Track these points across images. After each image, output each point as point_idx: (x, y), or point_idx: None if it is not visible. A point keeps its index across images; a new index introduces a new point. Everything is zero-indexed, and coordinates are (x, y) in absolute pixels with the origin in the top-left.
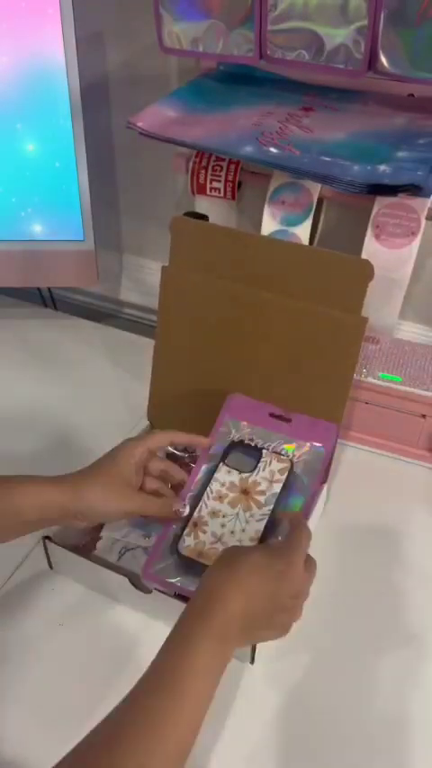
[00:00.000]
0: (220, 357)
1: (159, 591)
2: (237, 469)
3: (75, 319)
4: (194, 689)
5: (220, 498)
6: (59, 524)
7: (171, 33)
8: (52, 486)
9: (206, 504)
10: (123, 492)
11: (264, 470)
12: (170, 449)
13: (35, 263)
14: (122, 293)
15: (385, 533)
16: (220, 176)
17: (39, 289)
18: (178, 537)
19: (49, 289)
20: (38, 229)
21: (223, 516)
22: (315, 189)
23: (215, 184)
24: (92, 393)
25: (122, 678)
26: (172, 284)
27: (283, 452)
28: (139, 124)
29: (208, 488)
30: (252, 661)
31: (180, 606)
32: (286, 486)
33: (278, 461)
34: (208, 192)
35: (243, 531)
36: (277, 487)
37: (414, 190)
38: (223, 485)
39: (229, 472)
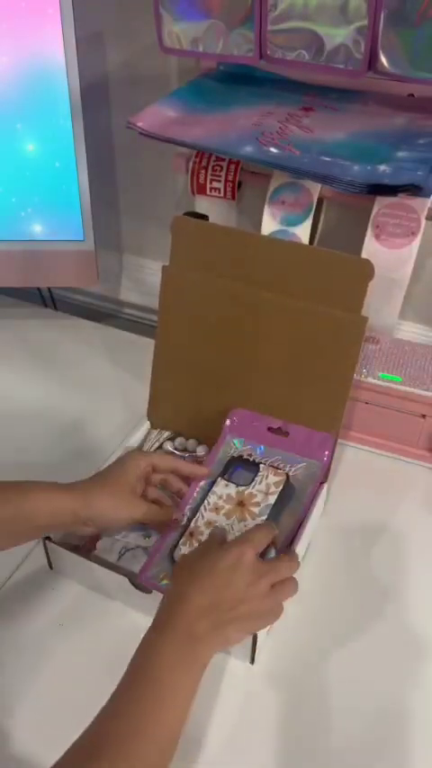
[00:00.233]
0: (220, 357)
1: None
2: (234, 483)
3: (75, 319)
4: (167, 688)
5: (217, 510)
6: (68, 530)
7: (171, 33)
8: (64, 492)
9: (203, 516)
10: (130, 500)
11: (260, 483)
12: (170, 449)
13: (35, 263)
14: (122, 293)
15: (385, 533)
16: (220, 176)
17: (39, 289)
18: (175, 545)
19: (49, 289)
20: (38, 229)
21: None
22: (315, 189)
23: (215, 184)
24: (92, 393)
25: None
26: (172, 284)
27: (280, 466)
28: (139, 124)
29: (206, 500)
30: (252, 661)
31: None
32: (281, 498)
33: (275, 475)
34: (208, 191)
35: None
36: (272, 499)
37: (414, 190)
38: (220, 497)
39: (226, 485)
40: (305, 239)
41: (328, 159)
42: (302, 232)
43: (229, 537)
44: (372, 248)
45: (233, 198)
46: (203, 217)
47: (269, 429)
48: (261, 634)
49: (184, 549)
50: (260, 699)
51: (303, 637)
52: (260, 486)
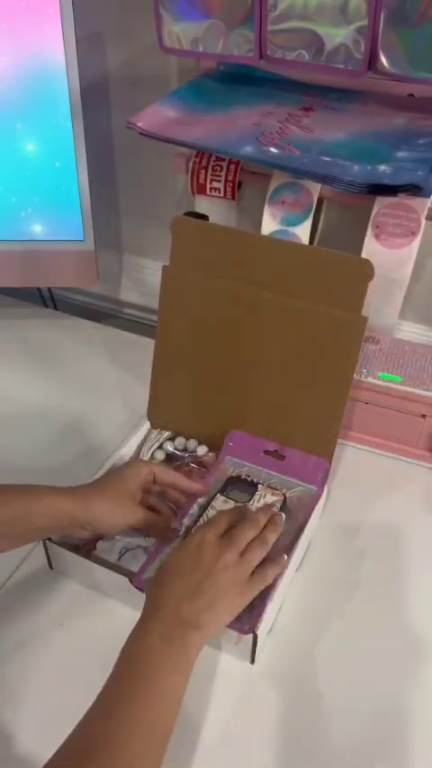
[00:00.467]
0: (220, 357)
1: None
2: (233, 500)
3: (75, 319)
4: (158, 674)
5: None
6: (66, 532)
7: (171, 33)
8: (65, 496)
9: None
10: (129, 506)
11: (258, 502)
12: (170, 449)
13: (35, 263)
14: (122, 293)
15: (385, 533)
16: (220, 176)
17: (39, 289)
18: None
19: (49, 289)
20: (38, 229)
21: None
22: (315, 189)
23: (215, 184)
24: (92, 393)
25: None
26: (172, 284)
27: (277, 488)
28: (139, 124)
29: (204, 514)
30: (252, 661)
31: None
32: None
33: (272, 495)
34: (208, 191)
35: None
36: None
37: (414, 190)
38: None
39: (225, 501)
40: (305, 239)
41: (328, 159)
42: (302, 232)
43: None
44: (372, 248)
45: (233, 198)
46: (203, 217)
47: (265, 452)
48: (261, 634)
49: None
50: (260, 699)
51: (303, 637)
52: (258, 505)
